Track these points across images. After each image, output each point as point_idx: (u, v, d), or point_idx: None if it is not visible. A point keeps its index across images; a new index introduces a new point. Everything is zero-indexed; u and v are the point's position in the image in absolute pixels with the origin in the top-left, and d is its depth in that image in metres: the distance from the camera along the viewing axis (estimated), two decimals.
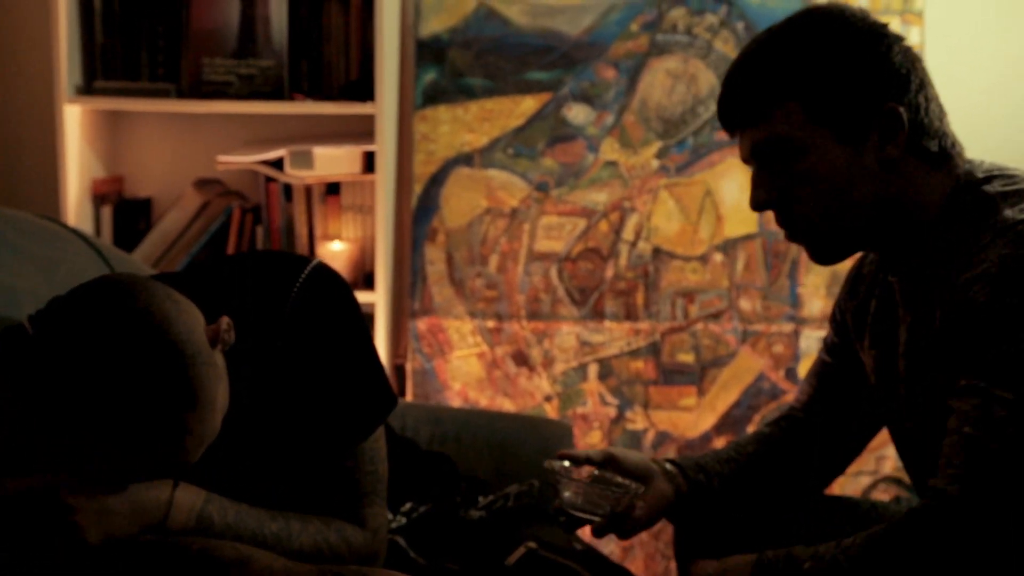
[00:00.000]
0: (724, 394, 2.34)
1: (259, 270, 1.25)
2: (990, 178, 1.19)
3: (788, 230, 1.25)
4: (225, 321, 1.10)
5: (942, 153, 1.20)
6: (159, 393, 1.00)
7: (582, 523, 1.36)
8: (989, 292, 1.07)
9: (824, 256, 1.26)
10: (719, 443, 2.33)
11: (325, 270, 1.25)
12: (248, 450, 1.20)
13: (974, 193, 1.18)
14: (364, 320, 1.28)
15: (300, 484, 1.22)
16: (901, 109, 1.17)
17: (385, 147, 2.24)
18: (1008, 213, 1.13)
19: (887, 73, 1.18)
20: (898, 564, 1.08)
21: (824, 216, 1.20)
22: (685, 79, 2.33)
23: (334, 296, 1.24)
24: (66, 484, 1.02)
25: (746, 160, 1.26)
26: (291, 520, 1.17)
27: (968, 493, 1.05)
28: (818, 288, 2.32)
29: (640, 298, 2.36)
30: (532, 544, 1.39)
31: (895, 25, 2.23)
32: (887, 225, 1.21)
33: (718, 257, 2.34)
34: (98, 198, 2.37)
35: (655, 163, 2.34)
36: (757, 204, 1.24)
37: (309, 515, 1.19)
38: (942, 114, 1.21)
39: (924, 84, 1.20)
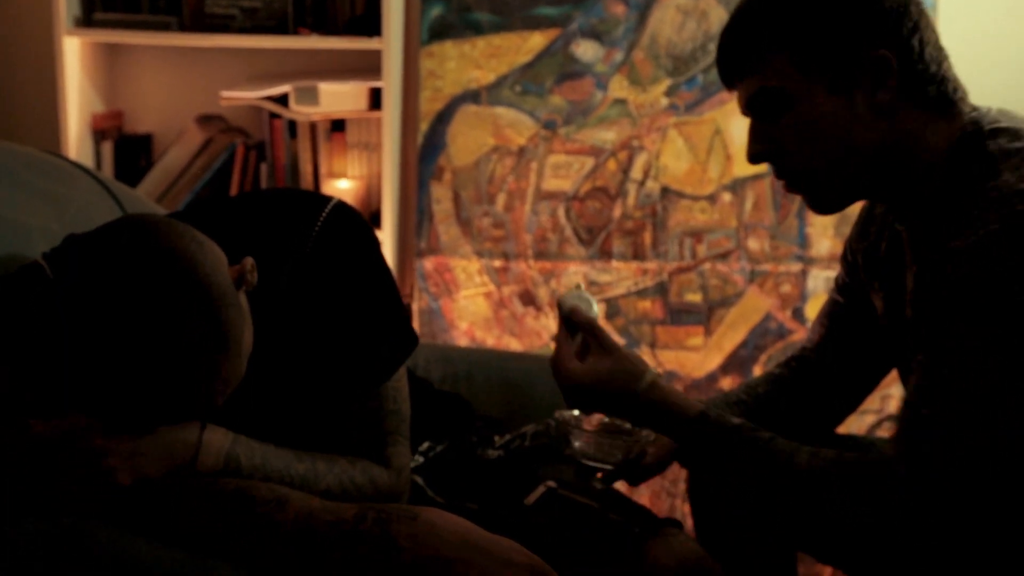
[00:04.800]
0: (731, 334, 2.34)
1: (279, 209, 1.23)
2: (996, 131, 1.16)
3: (786, 180, 1.24)
4: (248, 262, 1.09)
5: (942, 98, 1.17)
6: (190, 335, 0.99)
7: (594, 471, 1.37)
8: (965, 270, 1.05)
9: (822, 206, 1.25)
10: (726, 383, 2.34)
11: (346, 209, 1.23)
12: (272, 392, 1.20)
13: (977, 149, 1.15)
14: (384, 259, 1.27)
15: (324, 425, 1.22)
16: (889, 54, 1.15)
17: (391, 83, 2.21)
18: (1007, 178, 1.10)
19: (874, 18, 1.16)
20: (852, 497, 1.09)
21: (820, 166, 1.19)
22: (696, 15, 2.29)
23: (355, 235, 1.23)
24: (96, 427, 1.01)
25: (744, 113, 1.26)
26: (317, 461, 1.16)
27: (917, 467, 1.06)
28: (826, 228, 2.31)
29: (648, 238, 2.34)
30: (551, 483, 1.39)
31: None
32: (889, 174, 1.19)
33: (727, 197, 2.32)
34: (98, 133, 2.33)
35: (664, 101, 2.31)
36: (753, 156, 1.24)
37: (334, 456, 1.19)
38: (941, 58, 1.18)
39: (918, 27, 1.17)
